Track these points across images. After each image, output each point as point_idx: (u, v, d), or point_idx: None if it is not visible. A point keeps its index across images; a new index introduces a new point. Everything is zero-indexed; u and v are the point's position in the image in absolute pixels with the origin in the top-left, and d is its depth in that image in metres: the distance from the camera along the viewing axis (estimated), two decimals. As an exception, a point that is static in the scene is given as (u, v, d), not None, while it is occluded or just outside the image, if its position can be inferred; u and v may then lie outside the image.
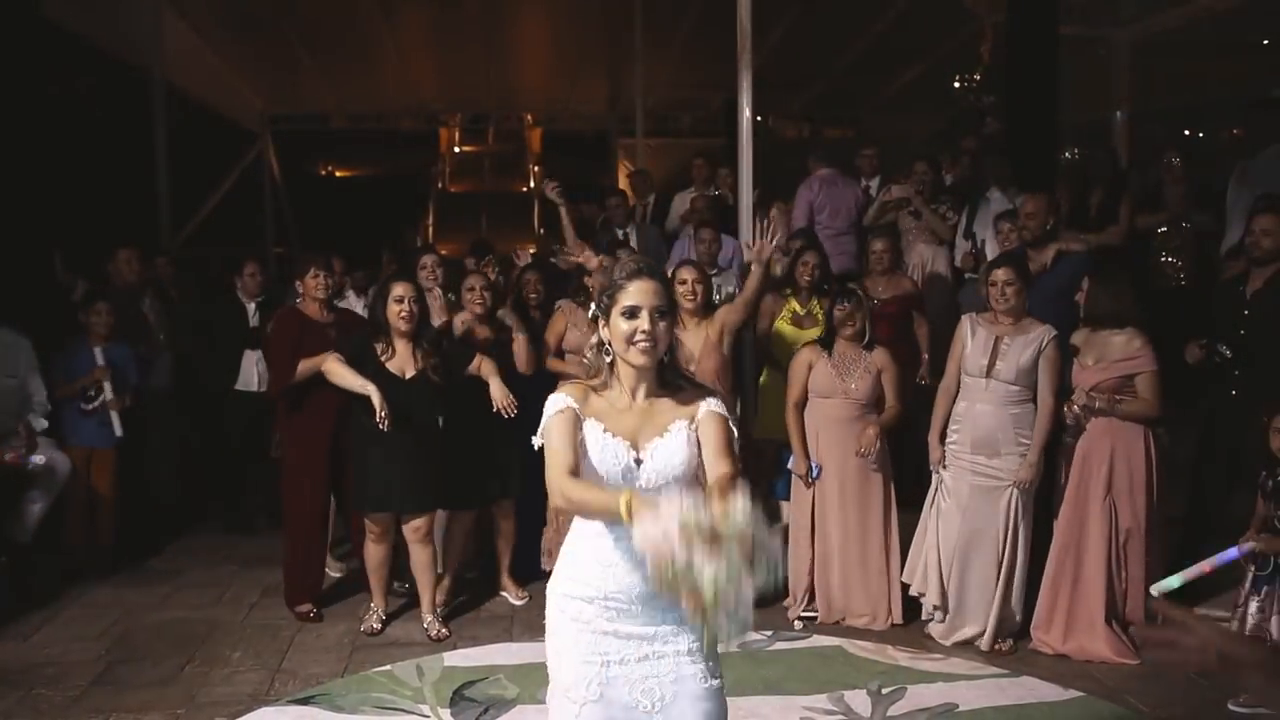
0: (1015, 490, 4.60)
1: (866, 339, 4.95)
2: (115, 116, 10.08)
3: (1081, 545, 4.60)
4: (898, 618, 4.97)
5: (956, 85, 9.28)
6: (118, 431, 5.85)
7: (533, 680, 4.36)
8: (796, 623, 5.00)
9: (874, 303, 5.42)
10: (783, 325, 5.66)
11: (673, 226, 8.49)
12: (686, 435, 2.40)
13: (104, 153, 9.93)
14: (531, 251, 6.83)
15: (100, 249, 7.17)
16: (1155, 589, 3.86)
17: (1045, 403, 4.57)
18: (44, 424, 5.63)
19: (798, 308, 5.67)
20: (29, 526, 5.58)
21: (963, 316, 4.87)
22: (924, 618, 4.89)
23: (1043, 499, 4.74)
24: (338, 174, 17.55)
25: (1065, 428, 4.62)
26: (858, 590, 5.01)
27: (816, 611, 5.06)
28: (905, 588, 4.97)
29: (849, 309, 4.92)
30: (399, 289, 4.78)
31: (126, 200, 9.64)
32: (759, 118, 7.21)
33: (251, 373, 6.49)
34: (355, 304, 6.90)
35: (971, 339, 4.70)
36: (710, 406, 2.41)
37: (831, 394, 4.96)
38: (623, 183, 12.53)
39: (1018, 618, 4.72)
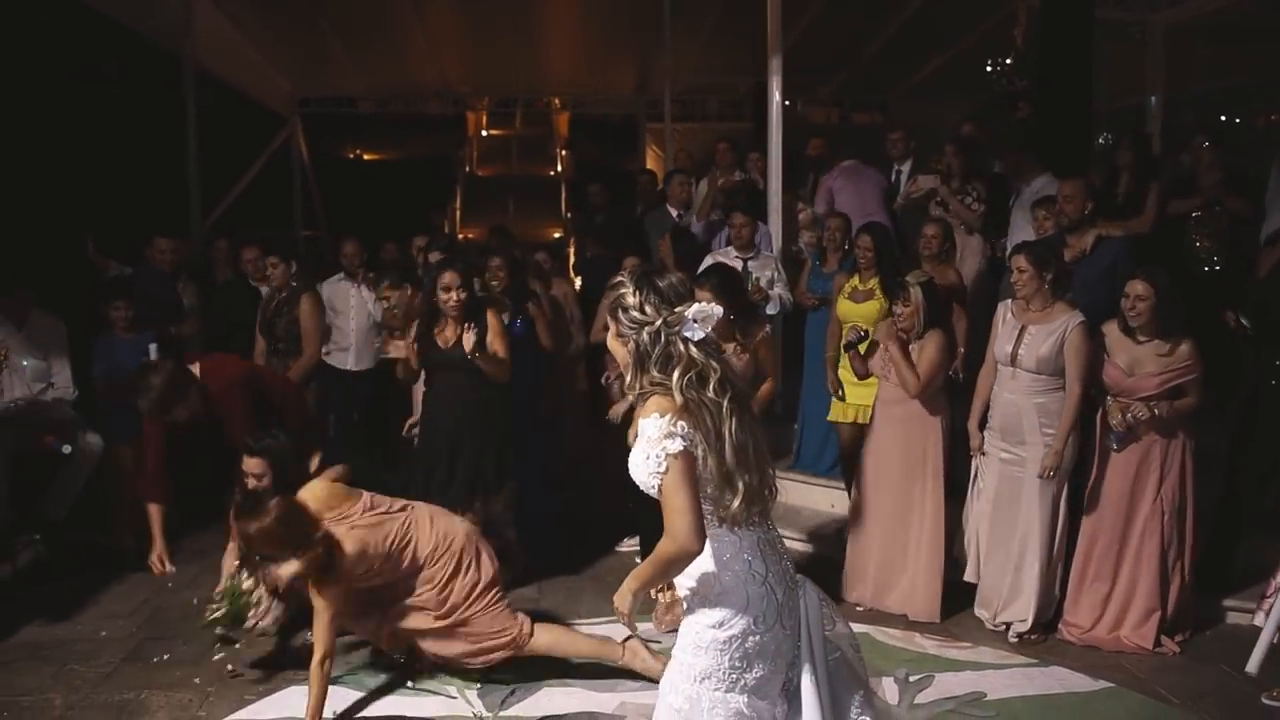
0: (1040, 480, 4.57)
1: (918, 330, 4.91)
2: (146, 99, 10.14)
3: (1128, 542, 4.54)
4: (934, 615, 4.90)
5: (989, 70, 9.16)
6: None
7: (558, 662, 4.38)
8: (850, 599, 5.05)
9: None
10: (842, 300, 5.85)
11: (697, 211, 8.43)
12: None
13: (135, 135, 10.00)
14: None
15: (132, 231, 7.22)
16: (1252, 669, 3.95)
17: (1071, 391, 4.51)
18: (70, 409, 5.69)
19: (859, 284, 5.82)
20: (62, 505, 5.65)
21: (1000, 303, 4.85)
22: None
23: (1073, 492, 4.69)
24: (365, 157, 17.56)
25: (1110, 434, 4.53)
26: (896, 577, 4.99)
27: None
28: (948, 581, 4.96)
29: (898, 304, 4.95)
30: (445, 278, 4.88)
31: (157, 183, 9.70)
32: (787, 102, 7.16)
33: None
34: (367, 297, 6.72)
35: (1002, 325, 4.71)
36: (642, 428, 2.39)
37: (882, 378, 5.03)
38: (651, 165, 12.50)
39: (1050, 608, 4.69)
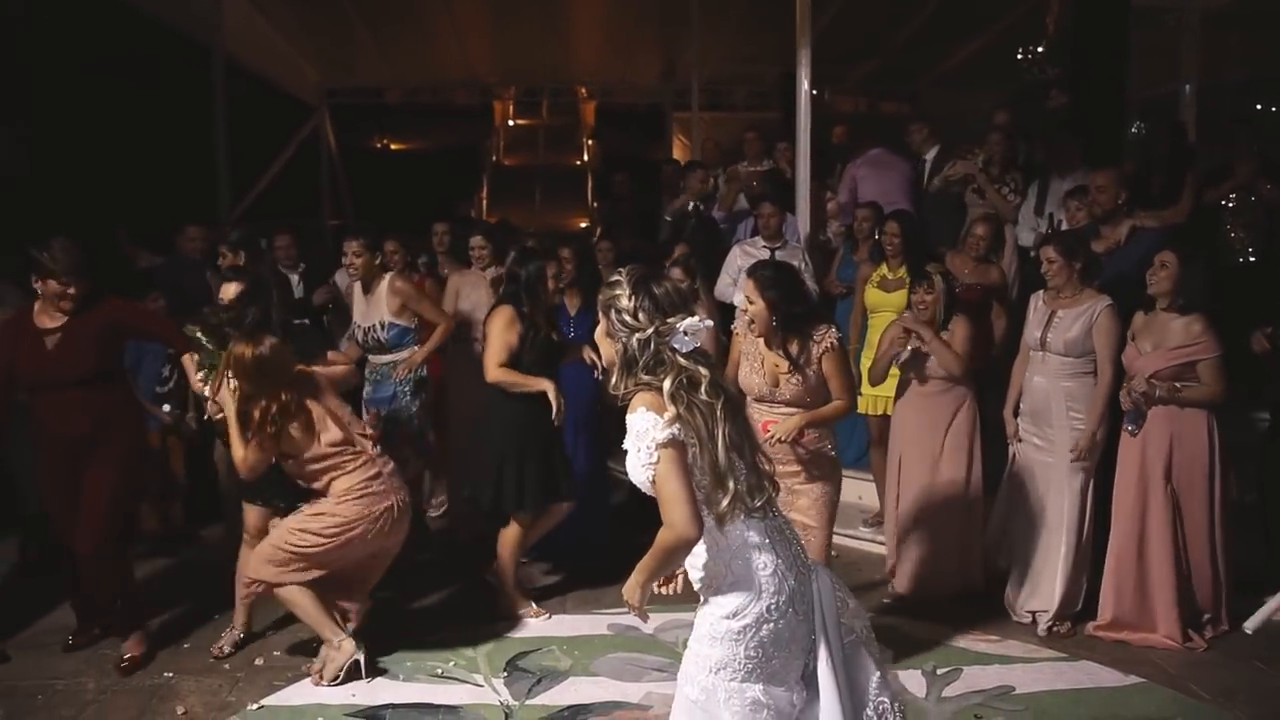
0: (1068, 467, 4.56)
1: (943, 320, 4.89)
2: (177, 89, 10.21)
3: (1145, 533, 4.50)
4: (979, 586, 4.98)
5: (1019, 57, 9.05)
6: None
7: (585, 652, 4.40)
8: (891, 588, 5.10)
9: (957, 286, 5.38)
10: (871, 289, 5.86)
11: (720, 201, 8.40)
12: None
13: (166, 125, 10.08)
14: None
15: (162, 221, 7.26)
16: (1249, 627, 4.21)
17: (1103, 373, 4.51)
18: None
19: (887, 273, 5.82)
20: None
21: (1032, 295, 4.84)
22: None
23: (1103, 482, 4.65)
24: (393, 147, 17.61)
25: (1126, 415, 4.51)
26: (938, 563, 4.99)
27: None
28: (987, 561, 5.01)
29: (920, 293, 4.92)
30: (549, 268, 4.81)
31: (187, 173, 9.77)
32: (814, 91, 7.11)
33: None
34: None
35: (1032, 313, 4.73)
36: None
37: (910, 369, 5.00)
38: (678, 154, 12.45)
39: (1077, 598, 4.66)
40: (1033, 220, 6.63)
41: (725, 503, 2.38)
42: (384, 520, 4.16)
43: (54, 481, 4.33)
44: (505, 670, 4.27)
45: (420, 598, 5.10)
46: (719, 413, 2.39)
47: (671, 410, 2.34)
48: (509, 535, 4.83)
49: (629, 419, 2.38)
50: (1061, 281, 4.60)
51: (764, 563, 2.43)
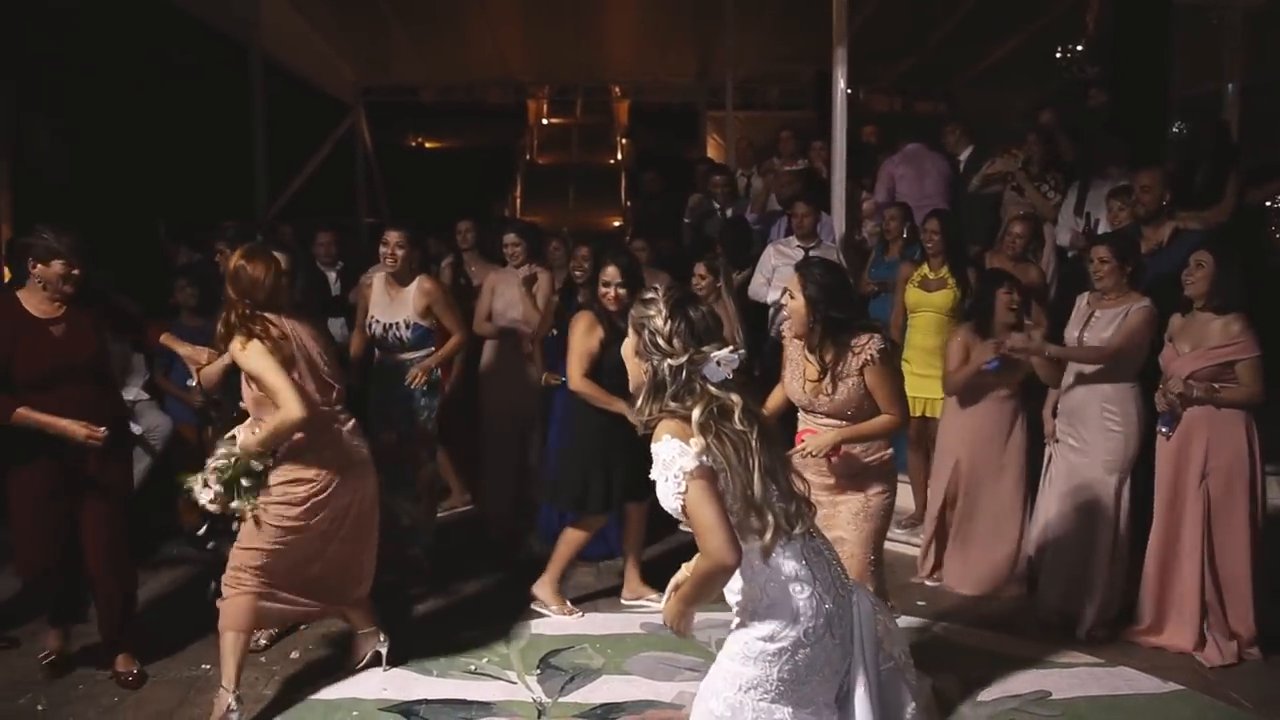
0: (1104, 469, 4.54)
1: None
2: (215, 88, 10.32)
3: (1176, 536, 4.44)
4: (1020, 590, 5.01)
5: (1059, 56, 8.96)
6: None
7: (618, 651, 4.40)
8: (929, 581, 5.19)
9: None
10: (911, 288, 5.83)
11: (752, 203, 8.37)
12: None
13: (204, 123, 10.19)
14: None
15: (201, 218, 7.33)
16: None
17: (1108, 349, 4.48)
18: (142, 394, 5.84)
19: (928, 272, 5.79)
20: (134, 484, 5.76)
21: (1079, 295, 4.80)
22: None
23: (1143, 485, 4.60)
24: (427, 145, 17.71)
25: (1161, 418, 4.45)
26: (988, 566, 5.02)
27: (940, 580, 5.21)
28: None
29: (1015, 295, 4.87)
30: (608, 271, 4.73)
31: (225, 170, 9.87)
32: (850, 90, 7.07)
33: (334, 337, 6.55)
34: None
35: (1076, 312, 4.72)
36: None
37: (993, 378, 4.97)
38: (712, 153, 12.43)
39: (1115, 603, 4.60)
40: (1072, 220, 6.56)
41: (769, 536, 2.35)
42: (330, 487, 3.91)
43: (51, 491, 4.04)
44: (538, 668, 4.28)
45: (452, 594, 5.12)
46: (753, 442, 2.35)
47: (699, 438, 2.31)
48: (573, 535, 4.84)
49: (654, 448, 2.34)
50: (1111, 284, 4.56)
51: (801, 587, 2.40)
